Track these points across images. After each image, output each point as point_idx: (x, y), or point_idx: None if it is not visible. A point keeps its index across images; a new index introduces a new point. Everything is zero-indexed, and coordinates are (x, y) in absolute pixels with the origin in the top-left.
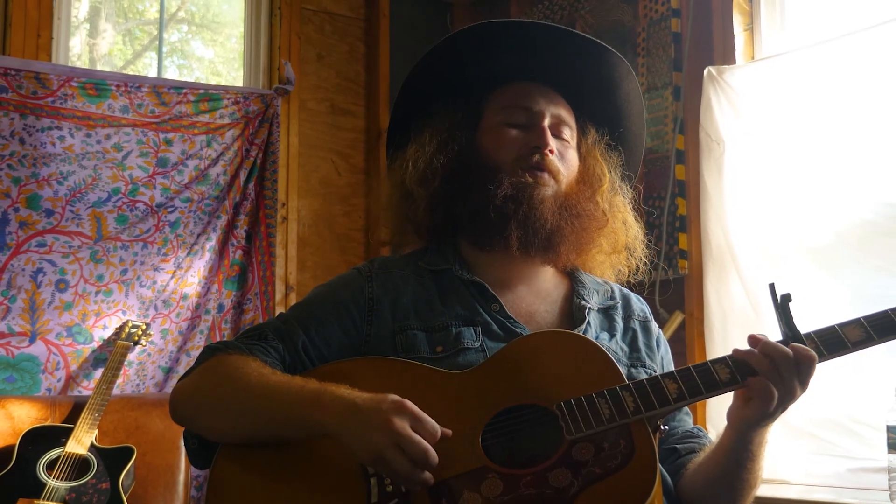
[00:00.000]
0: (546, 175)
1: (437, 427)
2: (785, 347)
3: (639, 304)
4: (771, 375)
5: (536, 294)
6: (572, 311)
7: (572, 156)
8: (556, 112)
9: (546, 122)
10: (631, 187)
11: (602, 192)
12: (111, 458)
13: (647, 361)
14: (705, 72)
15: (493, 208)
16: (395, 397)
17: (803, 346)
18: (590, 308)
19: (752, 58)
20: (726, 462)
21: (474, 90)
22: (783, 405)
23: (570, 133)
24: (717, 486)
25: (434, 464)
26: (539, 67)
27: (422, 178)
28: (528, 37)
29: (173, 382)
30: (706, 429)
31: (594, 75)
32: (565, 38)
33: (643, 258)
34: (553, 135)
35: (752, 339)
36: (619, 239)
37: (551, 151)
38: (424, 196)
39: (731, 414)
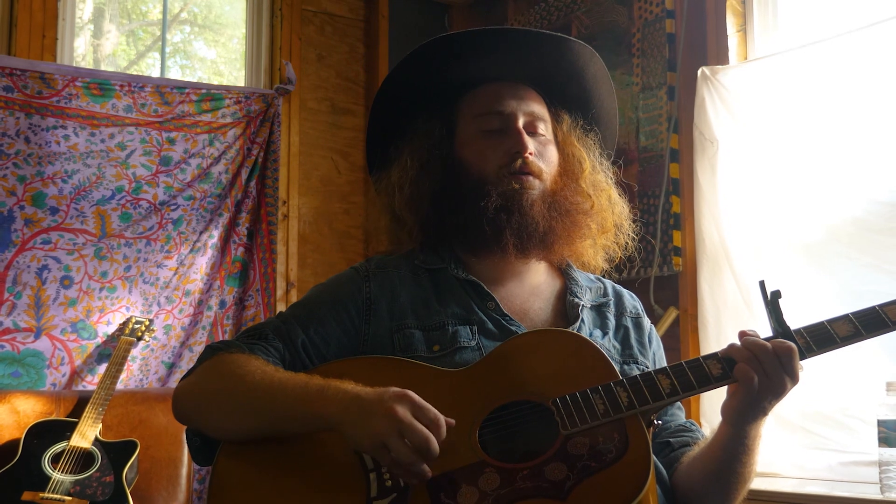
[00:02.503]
0: (531, 177)
1: (439, 414)
2: (764, 341)
3: (631, 301)
4: (750, 361)
5: (530, 291)
6: (566, 309)
7: (551, 151)
8: (528, 109)
9: (520, 123)
10: (611, 162)
11: (584, 176)
12: (115, 451)
13: (640, 358)
14: (699, 72)
15: (486, 221)
16: (397, 388)
17: (781, 340)
18: (583, 305)
19: (746, 58)
20: (721, 456)
21: (444, 101)
22: (772, 395)
23: (545, 127)
24: (711, 479)
25: (435, 452)
26: (504, 68)
27: (409, 202)
28: (488, 43)
29: (176, 377)
30: (699, 424)
31: (559, 66)
32: (524, 38)
33: (630, 234)
34: (529, 133)
35: (742, 335)
36: (606, 217)
37: (531, 154)
38: (416, 221)
39: (724, 407)
